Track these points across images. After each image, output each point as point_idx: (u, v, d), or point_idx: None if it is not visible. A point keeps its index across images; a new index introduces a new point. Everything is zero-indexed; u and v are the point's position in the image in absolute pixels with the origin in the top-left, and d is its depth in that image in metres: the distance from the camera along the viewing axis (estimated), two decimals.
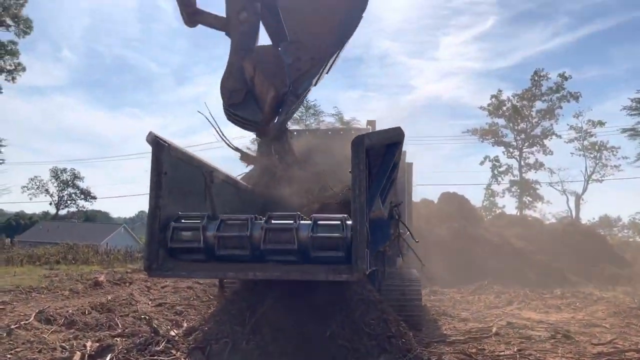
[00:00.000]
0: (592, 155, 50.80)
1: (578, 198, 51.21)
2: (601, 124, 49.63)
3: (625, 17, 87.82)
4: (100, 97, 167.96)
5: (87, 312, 8.29)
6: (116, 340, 6.74)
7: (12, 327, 6.99)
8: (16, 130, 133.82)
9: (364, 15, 6.90)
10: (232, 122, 6.55)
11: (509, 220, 34.40)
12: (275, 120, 6.80)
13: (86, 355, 6.09)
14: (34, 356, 6.01)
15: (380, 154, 4.98)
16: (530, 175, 52.79)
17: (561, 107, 50.84)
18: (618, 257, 27.68)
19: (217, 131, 7.49)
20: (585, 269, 24.37)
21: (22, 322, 7.26)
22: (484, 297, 14.88)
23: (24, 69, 39.51)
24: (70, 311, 8.15)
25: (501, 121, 53.47)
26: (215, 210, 5.82)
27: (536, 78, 51.28)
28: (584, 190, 51.17)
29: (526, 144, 52.51)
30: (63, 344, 6.53)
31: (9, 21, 36.93)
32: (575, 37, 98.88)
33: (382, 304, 6.59)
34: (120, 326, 7.64)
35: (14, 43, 37.88)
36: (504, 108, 52.86)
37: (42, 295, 10.84)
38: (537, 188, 51.90)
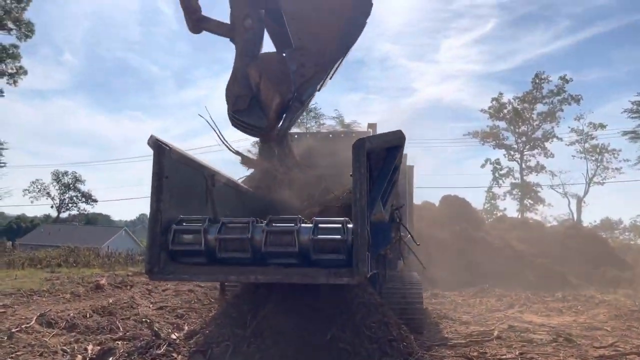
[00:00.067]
0: (593, 158, 50.77)
1: (579, 201, 51.17)
2: (602, 126, 49.61)
3: (626, 19, 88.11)
4: (102, 100, 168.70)
5: (88, 316, 8.29)
6: (117, 343, 6.75)
7: (13, 330, 7.00)
8: (18, 134, 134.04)
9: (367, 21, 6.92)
10: (237, 127, 6.58)
11: (510, 223, 34.33)
12: (280, 126, 6.83)
13: (87, 359, 6.10)
14: None
15: (381, 157, 4.99)
16: (532, 178, 52.88)
17: (562, 110, 50.88)
18: (619, 260, 27.61)
19: (217, 135, 7.50)
20: (587, 272, 24.33)
21: (23, 326, 7.27)
22: (485, 300, 14.85)
23: (25, 73, 39.62)
24: (72, 314, 8.15)
25: (502, 124, 53.57)
26: (216, 213, 5.82)
27: (537, 81, 51.31)
28: (585, 193, 51.16)
29: (527, 147, 52.50)
30: (64, 348, 6.53)
31: (10, 25, 36.97)
32: (576, 39, 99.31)
33: (383, 307, 6.58)
34: (121, 329, 7.64)
35: (16, 46, 37.96)
36: (505, 111, 52.86)
37: (43, 298, 10.85)
38: (539, 191, 51.98)
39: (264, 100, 6.30)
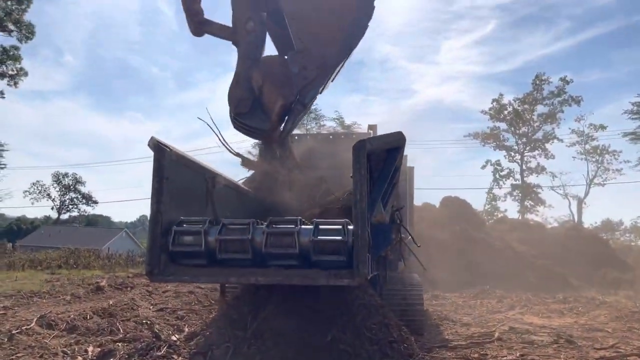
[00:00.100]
0: (593, 159, 50.79)
1: (580, 202, 51.20)
2: (603, 127, 49.60)
3: (626, 20, 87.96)
4: (102, 102, 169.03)
5: (88, 317, 8.28)
6: (118, 345, 6.75)
7: (14, 332, 6.99)
8: (18, 135, 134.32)
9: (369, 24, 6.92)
10: (239, 130, 6.59)
11: (510, 225, 34.33)
12: (282, 129, 6.84)
13: None
14: None
15: (382, 158, 4.99)
16: (532, 179, 52.82)
17: (562, 111, 50.82)
18: (620, 261, 27.62)
19: (218, 137, 7.50)
20: (588, 273, 24.32)
21: (23, 327, 7.26)
22: (486, 302, 14.84)
23: (26, 74, 39.58)
24: (72, 316, 8.15)
25: (502, 125, 53.48)
26: (217, 215, 5.82)
27: (537, 82, 51.26)
28: (586, 194, 51.18)
29: (528, 148, 52.46)
30: (64, 349, 6.53)
31: (11, 26, 36.97)
32: (576, 41, 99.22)
33: (383, 308, 6.58)
34: (121, 331, 7.63)
35: (16, 48, 37.93)
36: (506, 112, 52.83)
37: (43, 300, 10.84)
38: (539, 192, 51.91)
39: (266, 103, 6.31)
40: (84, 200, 77.80)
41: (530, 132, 52.40)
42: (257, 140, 8.17)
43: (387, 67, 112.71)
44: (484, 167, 54.17)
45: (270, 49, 7.05)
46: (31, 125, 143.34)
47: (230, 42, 6.80)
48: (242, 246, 4.81)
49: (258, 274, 4.81)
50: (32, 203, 76.64)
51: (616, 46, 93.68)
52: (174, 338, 7.06)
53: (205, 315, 9.60)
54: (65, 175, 76.39)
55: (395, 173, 5.31)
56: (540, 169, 51.85)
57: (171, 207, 4.98)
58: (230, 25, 6.68)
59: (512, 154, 53.17)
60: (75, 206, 78.57)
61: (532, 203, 51.61)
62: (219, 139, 7.57)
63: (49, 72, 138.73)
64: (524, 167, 52.66)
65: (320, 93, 7.33)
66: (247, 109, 6.33)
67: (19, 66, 38.71)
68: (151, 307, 10.10)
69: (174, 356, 6.09)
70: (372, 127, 11.06)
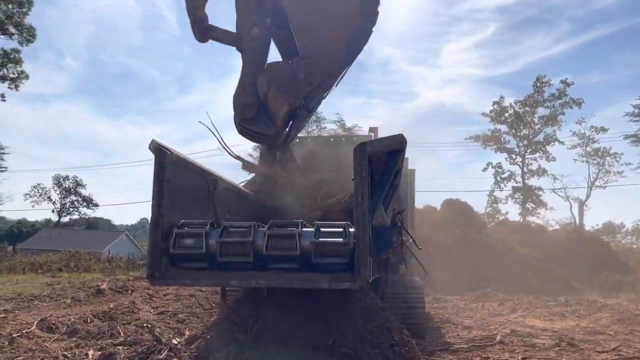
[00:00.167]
0: (595, 162, 50.70)
1: (581, 204, 51.12)
2: (604, 130, 49.52)
3: (627, 23, 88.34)
4: (103, 105, 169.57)
5: (89, 321, 8.27)
6: (118, 348, 6.73)
7: (14, 335, 6.98)
8: (19, 138, 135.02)
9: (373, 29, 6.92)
10: (244, 135, 6.59)
11: (512, 227, 34.23)
12: (287, 134, 6.84)
13: None
14: None
15: (383, 161, 4.99)
16: (533, 181, 52.73)
17: (563, 114, 50.77)
18: (622, 264, 27.52)
19: (219, 140, 7.50)
20: (589, 276, 24.23)
21: (24, 331, 7.25)
22: (487, 305, 14.79)
23: (27, 77, 39.62)
24: (72, 319, 8.13)
25: (503, 128, 53.43)
26: (218, 218, 5.82)
27: (538, 84, 51.24)
28: (587, 196, 51.08)
29: (529, 151, 52.44)
30: (65, 353, 6.51)
31: (12, 29, 37.06)
32: (577, 43, 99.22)
33: (385, 311, 6.57)
34: (122, 334, 7.61)
35: (17, 51, 37.99)
36: (506, 114, 52.82)
37: (44, 303, 10.83)
38: (540, 194, 51.77)
39: (271, 109, 6.32)
40: (84, 203, 77.94)
41: (531, 134, 52.39)
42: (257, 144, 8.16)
43: (389, 70, 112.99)
44: (485, 169, 54.18)
45: (273, 53, 7.06)
46: (32, 128, 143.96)
47: (235, 48, 6.81)
48: (243, 249, 4.81)
49: (259, 278, 4.80)
50: (33, 206, 77.01)
51: (617, 48, 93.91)
52: (174, 341, 7.04)
53: (206, 319, 9.58)
54: (66, 178, 76.58)
55: (396, 176, 5.30)
56: (541, 172, 51.83)
57: (172, 210, 4.98)
58: (234, 30, 6.69)
59: (513, 156, 53.17)
60: (75, 209, 78.72)
61: (534, 205, 51.55)
62: (219, 142, 7.58)
63: (50, 75, 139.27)
64: (525, 169, 52.65)
65: (324, 98, 7.34)
66: (252, 115, 6.34)
67: (19, 69, 38.78)
68: (152, 311, 10.08)
69: (174, 359, 6.07)
70: (373, 130, 11.06)
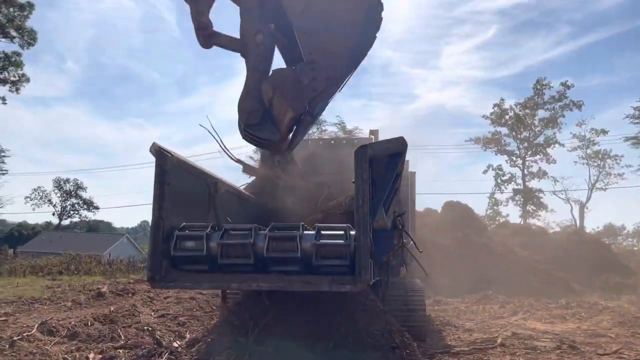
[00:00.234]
0: (595, 164, 50.80)
1: (582, 207, 51.16)
2: (604, 132, 49.65)
3: (627, 25, 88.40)
4: (104, 108, 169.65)
5: (89, 324, 8.26)
6: (119, 352, 6.72)
7: (15, 338, 6.97)
8: (19, 141, 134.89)
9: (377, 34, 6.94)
10: (248, 141, 6.61)
11: (512, 229, 34.22)
12: (291, 140, 6.86)
13: None
14: None
15: (383, 163, 4.99)
16: (534, 183, 52.81)
17: (564, 116, 50.88)
18: (623, 266, 27.49)
19: (219, 143, 7.50)
20: (590, 278, 24.20)
21: (24, 334, 7.24)
22: (488, 307, 14.77)
23: (27, 80, 39.73)
24: (73, 322, 8.13)
25: (504, 130, 53.51)
26: (219, 220, 5.82)
27: (538, 87, 51.32)
28: (588, 198, 51.15)
29: (529, 153, 52.48)
30: (66, 356, 6.51)
31: (13, 32, 37.15)
32: (577, 45, 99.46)
33: (385, 314, 6.56)
34: (123, 337, 7.61)
35: (18, 54, 38.08)
36: (507, 117, 52.86)
37: (44, 306, 10.83)
38: (541, 197, 51.80)
39: (276, 115, 6.33)
40: (85, 206, 78.03)
41: (531, 136, 52.42)
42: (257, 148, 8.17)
43: (389, 72, 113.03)
44: (485, 172, 54.23)
45: (277, 59, 7.08)
46: (33, 131, 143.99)
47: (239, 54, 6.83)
48: (244, 251, 4.81)
49: (259, 280, 4.80)
50: (34, 209, 76.94)
51: (617, 51, 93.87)
52: (175, 344, 7.03)
53: (206, 322, 9.58)
54: (67, 181, 76.66)
55: (397, 178, 5.30)
56: (541, 174, 51.90)
57: (173, 213, 4.98)
58: (238, 36, 6.70)
59: (514, 158, 53.23)
60: (76, 212, 78.80)
61: (534, 208, 51.55)
62: (220, 145, 7.58)
63: (51, 79, 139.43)
64: (525, 171, 52.73)
65: (328, 104, 7.36)
66: (257, 121, 6.36)
67: (20, 72, 38.89)
68: (152, 314, 10.07)
69: None
70: (373, 132, 11.06)
